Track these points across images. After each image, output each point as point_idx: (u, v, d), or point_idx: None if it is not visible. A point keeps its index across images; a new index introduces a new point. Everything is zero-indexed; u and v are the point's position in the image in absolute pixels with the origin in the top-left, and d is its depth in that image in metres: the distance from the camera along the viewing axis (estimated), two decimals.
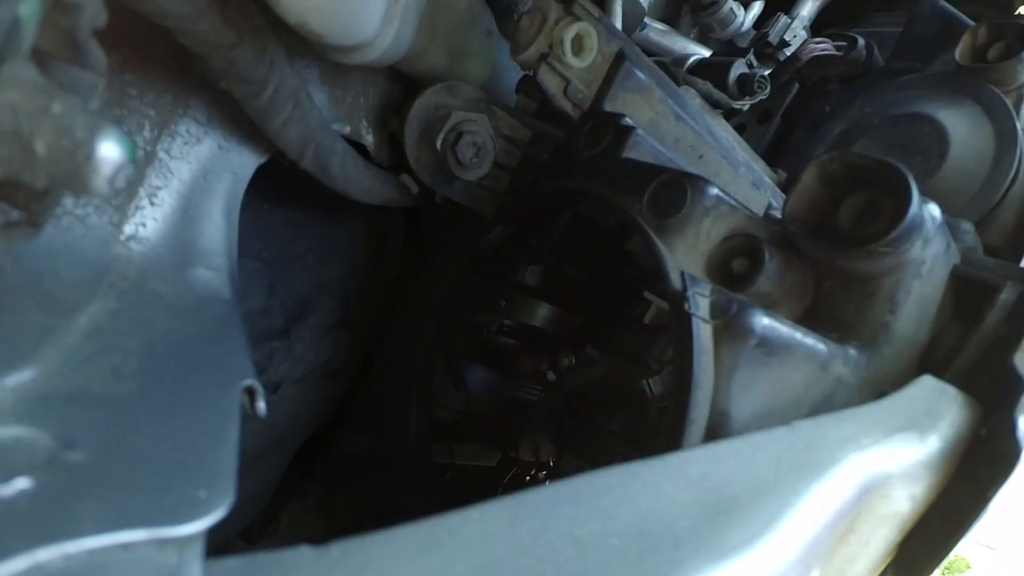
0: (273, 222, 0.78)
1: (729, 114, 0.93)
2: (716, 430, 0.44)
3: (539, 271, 0.79)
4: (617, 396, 0.71)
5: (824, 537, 0.37)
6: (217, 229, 0.55)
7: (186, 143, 0.55)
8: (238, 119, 0.56)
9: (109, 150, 0.30)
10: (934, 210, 0.50)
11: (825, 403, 0.49)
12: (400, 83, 0.72)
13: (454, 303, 0.76)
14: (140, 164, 0.52)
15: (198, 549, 0.26)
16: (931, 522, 0.47)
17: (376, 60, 0.56)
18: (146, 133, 0.53)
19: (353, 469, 0.90)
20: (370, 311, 0.91)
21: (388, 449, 0.80)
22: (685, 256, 0.50)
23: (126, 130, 0.48)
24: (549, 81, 0.62)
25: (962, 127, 0.83)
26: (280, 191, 0.76)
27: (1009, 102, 0.83)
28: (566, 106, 0.63)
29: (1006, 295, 0.54)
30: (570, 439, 0.76)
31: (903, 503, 0.44)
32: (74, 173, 0.30)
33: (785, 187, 0.87)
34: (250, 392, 0.40)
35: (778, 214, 0.63)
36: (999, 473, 0.47)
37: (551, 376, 0.77)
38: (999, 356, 0.52)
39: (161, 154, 0.54)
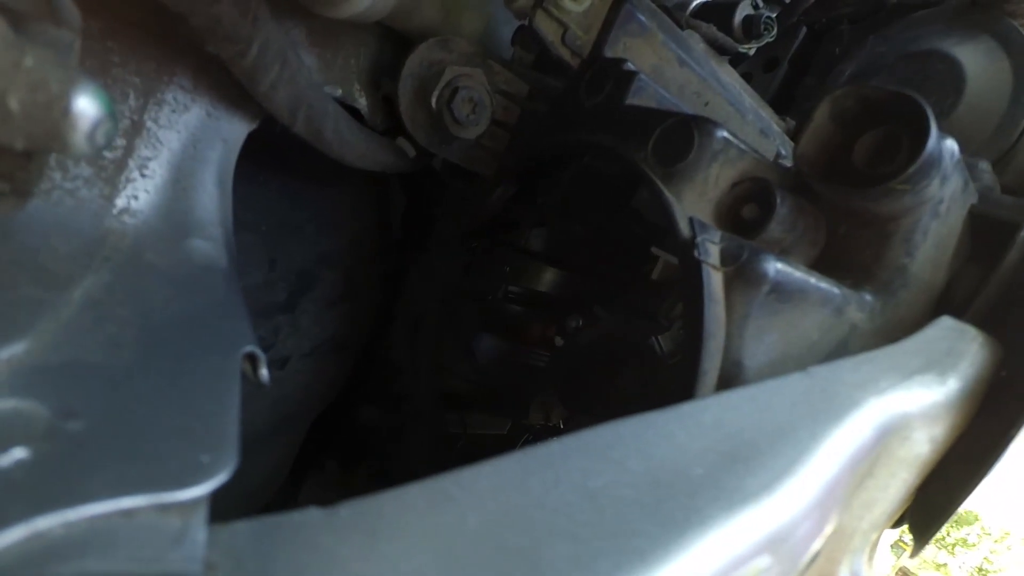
0: (269, 193, 0.76)
1: (735, 62, 0.89)
2: (729, 380, 0.43)
3: (543, 234, 0.77)
4: (627, 355, 0.70)
5: (843, 482, 0.36)
6: (211, 199, 0.54)
7: (174, 111, 0.54)
8: (226, 85, 0.55)
9: (86, 104, 0.28)
10: (952, 145, 0.48)
11: (840, 349, 0.48)
12: (392, 43, 0.69)
13: (459, 272, 0.75)
14: (128, 135, 0.51)
15: (202, 514, 0.26)
16: (951, 464, 0.46)
17: (364, 13, 0.54)
18: (132, 102, 0.51)
19: (369, 441, 0.91)
20: (374, 282, 0.90)
21: (401, 421, 0.80)
22: (693, 204, 0.48)
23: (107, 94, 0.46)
24: (546, 28, 0.59)
25: (979, 63, 0.79)
26: (275, 161, 0.74)
27: None
28: (564, 54, 0.61)
29: None
30: (581, 401, 0.75)
31: (923, 445, 0.43)
32: (52, 130, 0.29)
33: (794, 135, 0.84)
34: (251, 359, 0.39)
35: (788, 163, 0.61)
36: (1020, 413, 0.46)
37: (559, 342, 0.76)
38: (1019, 296, 0.51)
39: (149, 123, 0.52)
